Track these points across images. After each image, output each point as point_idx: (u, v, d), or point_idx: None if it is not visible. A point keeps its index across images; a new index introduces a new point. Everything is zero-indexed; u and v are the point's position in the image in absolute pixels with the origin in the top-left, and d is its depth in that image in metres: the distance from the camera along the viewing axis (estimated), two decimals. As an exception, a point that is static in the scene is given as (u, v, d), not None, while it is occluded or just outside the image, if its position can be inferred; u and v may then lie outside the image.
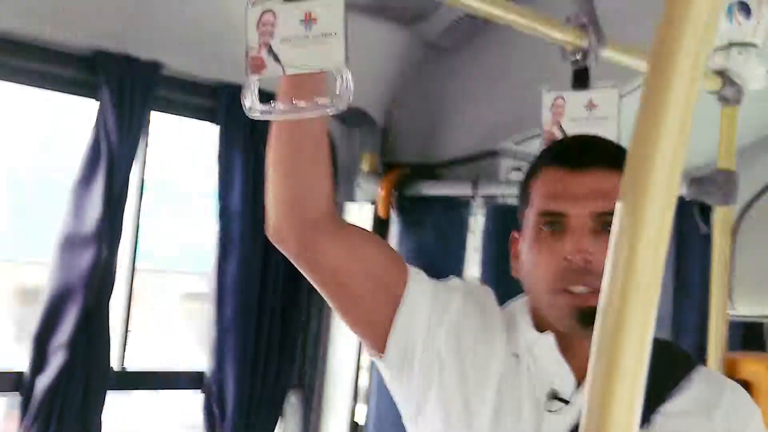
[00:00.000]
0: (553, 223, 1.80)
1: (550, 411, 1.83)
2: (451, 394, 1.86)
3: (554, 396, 1.84)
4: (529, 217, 1.85)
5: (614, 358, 0.72)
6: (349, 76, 1.56)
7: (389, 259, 1.91)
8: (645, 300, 0.72)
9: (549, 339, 1.85)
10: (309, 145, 1.77)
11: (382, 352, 1.89)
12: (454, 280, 1.99)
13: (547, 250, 1.80)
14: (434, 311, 1.88)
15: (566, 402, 1.83)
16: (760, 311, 3.94)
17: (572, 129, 2.46)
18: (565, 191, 1.81)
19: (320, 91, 1.64)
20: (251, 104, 1.65)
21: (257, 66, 1.64)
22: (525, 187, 1.90)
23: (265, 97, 1.65)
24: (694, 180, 2.96)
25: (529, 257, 1.83)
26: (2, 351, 6.04)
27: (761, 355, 3.91)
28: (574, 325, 1.79)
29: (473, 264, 3.66)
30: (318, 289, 1.87)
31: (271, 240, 1.81)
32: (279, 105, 1.65)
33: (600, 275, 1.75)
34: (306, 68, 1.62)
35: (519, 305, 1.95)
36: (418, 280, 1.89)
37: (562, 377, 1.85)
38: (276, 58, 1.64)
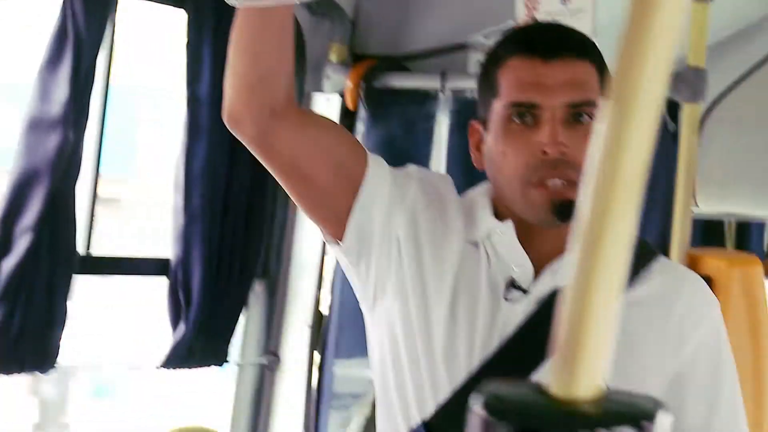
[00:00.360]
0: (525, 114, 1.79)
1: (507, 299, 1.84)
2: (408, 281, 1.87)
3: (512, 284, 1.85)
4: (497, 108, 1.82)
5: (595, 264, 0.73)
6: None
7: (348, 146, 1.90)
8: (629, 200, 0.73)
9: (509, 227, 1.85)
10: (274, 29, 1.76)
11: (341, 239, 1.89)
12: (411, 167, 1.98)
13: (518, 142, 1.78)
14: (393, 199, 1.88)
15: (524, 291, 1.85)
16: (721, 209, 3.97)
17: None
18: (538, 81, 1.79)
19: None
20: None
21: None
22: (488, 75, 1.87)
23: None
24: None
25: (497, 149, 1.82)
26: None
27: (722, 251, 3.96)
28: (552, 218, 1.79)
29: (440, 157, 3.66)
30: (275, 176, 1.87)
31: (227, 124, 1.80)
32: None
33: (575, 167, 1.79)
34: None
35: (478, 193, 1.94)
36: (377, 167, 1.88)
37: (521, 266, 1.85)
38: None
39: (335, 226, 1.89)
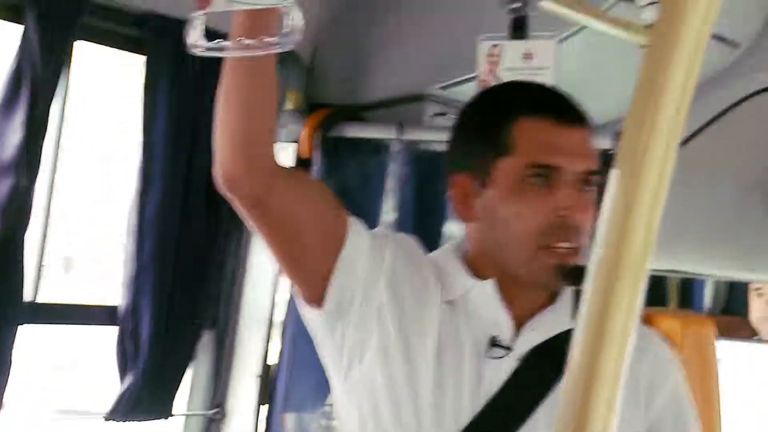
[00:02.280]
0: (544, 176, 1.79)
1: (491, 357, 1.84)
2: (392, 343, 1.85)
3: (494, 342, 1.85)
4: (509, 166, 1.82)
5: (602, 330, 0.70)
6: (299, 14, 1.52)
7: (334, 208, 1.89)
8: (636, 269, 0.71)
9: (489, 286, 1.85)
10: (265, 85, 1.73)
11: (319, 304, 1.87)
12: (382, 230, 1.99)
13: (535, 203, 1.79)
14: (373, 262, 1.87)
15: (507, 348, 1.85)
16: (667, 266, 3.97)
17: (508, 78, 2.45)
18: (561, 145, 1.81)
19: (272, 29, 1.60)
20: (195, 40, 1.59)
21: (204, 0, 1.59)
22: (489, 131, 1.87)
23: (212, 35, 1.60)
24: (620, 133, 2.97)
25: (509, 208, 1.81)
26: None
27: (672, 311, 3.98)
28: (556, 282, 1.81)
29: (391, 209, 3.64)
30: (261, 234, 1.84)
31: (222, 187, 1.75)
32: (225, 42, 1.61)
33: (579, 232, 1.81)
34: (253, 4, 1.58)
35: (445, 253, 1.95)
36: (357, 230, 1.87)
37: (501, 324, 1.86)
38: (223, -6, 1.59)
39: (315, 289, 1.87)
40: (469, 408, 1.82)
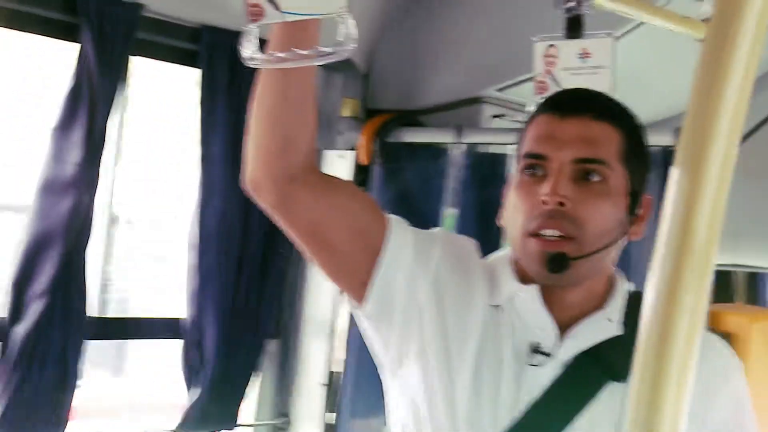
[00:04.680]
0: (535, 166, 1.78)
1: (531, 364, 1.82)
2: (431, 346, 1.83)
3: (535, 349, 1.82)
4: (516, 164, 1.83)
5: (667, 331, 0.69)
6: (352, 22, 1.51)
7: (368, 209, 1.87)
8: (701, 266, 0.69)
9: (532, 290, 1.83)
10: (297, 94, 1.73)
11: (362, 303, 1.86)
12: (435, 230, 1.97)
13: (525, 192, 1.77)
14: (416, 262, 1.85)
15: (548, 355, 1.82)
16: (732, 260, 3.93)
17: (566, 78, 2.43)
18: (550, 135, 1.78)
19: (316, 39, 1.60)
20: (252, 53, 1.59)
21: (255, 13, 1.59)
22: (521, 134, 1.88)
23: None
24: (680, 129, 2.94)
25: (510, 202, 1.81)
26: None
27: (740, 307, 3.92)
28: (542, 270, 1.77)
29: (451, 212, 3.63)
30: (296, 241, 1.83)
31: (247, 190, 1.77)
32: (280, 54, 1.60)
33: (575, 221, 1.77)
34: (306, 14, 1.57)
35: (501, 256, 1.93)
36: (399, 229, 1.85)
37: (544, 329, 1.83)
38: (274, 4, 1.58)
39: (357, 290, 1.86)
40: (507, 416, 1.79)
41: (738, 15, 0.69)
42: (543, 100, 1.93)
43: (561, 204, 1.75)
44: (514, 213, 1.80)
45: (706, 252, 0.70)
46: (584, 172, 1.77)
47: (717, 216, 0.70)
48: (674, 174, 0.70)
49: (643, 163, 1.88)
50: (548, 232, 1.75)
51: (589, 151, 1.77)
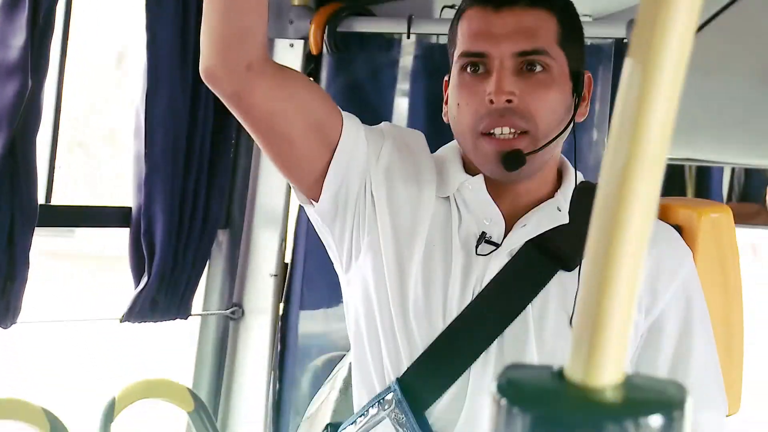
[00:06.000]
0: (476, 64, 1.78)
1: (479, 254, 1.83)
2: (382, 239, 1.85)
3: (484, 239, 1.83)
4: (455, 60, 1.82)
5: (619, 223, 0.68)
6: None
7: (324, 104, 1.87)
8: (653, 159, 0.68)
9: (479, 181, 1.84)
10: None
11: (315, 199, 1.86)
12: (384, 125, 1.96)
13: (469, 92, 1.78)
14: (369, 157, 1.86)
15: (496, 245, 1.83)
16: (683, 155, 3.95)
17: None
18: (487, 31, 1.78)
19: None
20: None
21: None
22: (452, 28, 1.87)
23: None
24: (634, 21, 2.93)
25: (453, 100, 1.82)
26: None
27: (689, 200, 3.94)
28: (498, 169, 1.78)
29: (403, 104, 3.61)
30: (251, 133, 1.83)
31: (204, 80, 1.76)
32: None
33: (525, 116, 1.78)
34: None
35: (449, 149, 1.94)
36: (352, 126, 1.86)
37: (492, 219, 1.84)
38: None
39: (311, 185, 1.86)
40: (457, 305, 1.82)
41: None
42: None
43: (509, 101, 1.75)
44: (460, 113, 1.80)
45: (660, 143, 0.69)
46: (527, 64, 1.77)
47: (670, 109, 0.69)
48: (627, 66, 0.69)
49: (580, 41, 1.88)
50: (500, 130, 1.76)
51: (529, 42, 1.77)
